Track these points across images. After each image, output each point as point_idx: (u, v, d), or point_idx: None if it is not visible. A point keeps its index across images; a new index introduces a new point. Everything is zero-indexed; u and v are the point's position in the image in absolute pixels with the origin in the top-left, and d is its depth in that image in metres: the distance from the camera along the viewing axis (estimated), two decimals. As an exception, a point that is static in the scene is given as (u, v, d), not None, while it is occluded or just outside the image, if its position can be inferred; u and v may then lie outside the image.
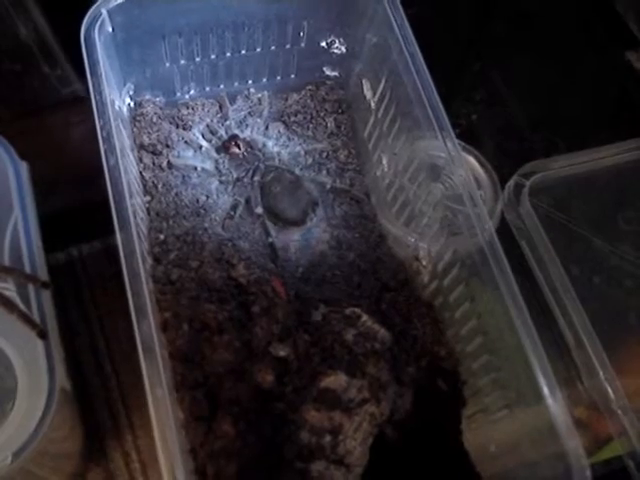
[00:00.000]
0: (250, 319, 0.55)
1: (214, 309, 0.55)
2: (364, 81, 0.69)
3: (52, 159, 0.77)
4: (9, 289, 0.58)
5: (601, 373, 0.66)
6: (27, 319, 0.57)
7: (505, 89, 0.94)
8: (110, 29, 0.61)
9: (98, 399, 0.71)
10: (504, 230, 0.72)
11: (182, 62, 0.68)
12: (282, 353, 0.54)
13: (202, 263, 0.58)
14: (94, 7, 0.59)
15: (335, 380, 0.54)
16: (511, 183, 0.73)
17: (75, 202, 0.77)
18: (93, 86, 0.57)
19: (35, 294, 0.59)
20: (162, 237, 0.60)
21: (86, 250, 0.78)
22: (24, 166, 0.65)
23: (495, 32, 0.98)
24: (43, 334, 0.57)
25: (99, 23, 0.59)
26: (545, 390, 0.50)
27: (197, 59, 0.68)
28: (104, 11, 0.59)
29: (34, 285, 0.59)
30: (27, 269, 0.60)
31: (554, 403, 0.50)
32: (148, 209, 0.63)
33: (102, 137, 0.54)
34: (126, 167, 0.56)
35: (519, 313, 0.52)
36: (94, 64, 0.57)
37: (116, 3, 0.59)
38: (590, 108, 0.92)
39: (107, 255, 0.77)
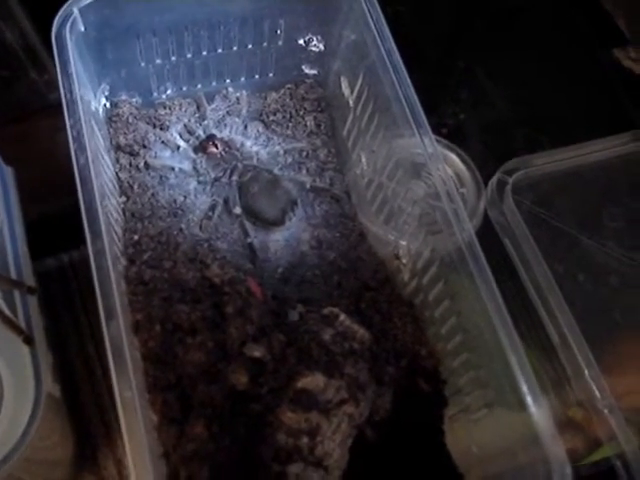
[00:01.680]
0: (224, 319, 0.54)
1: (187, 309, 0.54)
2: (342, 79, 0.69)
3: (40, 165, 0.76)
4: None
5: (586, 372, 0.65)
6: (12, 325, 0.56)
7: (491, 87, 0.93)
8: (82, 28, 0.60)
9: (89, 406, 0.70)
10: (487, 228, 0.71)
11: (157, 61, 0.67)
12: (257, 354, 0.53)
13: (175, 263, 0.57)
14: (65, 6, 0.58)
15: (312, 380, 0.53)
16: (494, 180, 0.72)
17: (65, 207, 0.75)
18: (63, 85, 0.56)
19: (21, 300, 0.58)
20: (136, 238, 0.59)
21: (76, 256, 0.77)
22: (9, 171, 0.64)
23: (479, 29, 0.97)
24: (29, 340, 0.56)
25: (70, 22, 0.58)
26: (525, 390, 0.49)
27: (173, 58, 0.67)
28: (75, 10, 0.59)
29: (20, 290, 0.58)
30: (13, 274, 0.59)
31: (534, 404, 0.49)
32: (124, 210, 0.63)
33: (72, 136, 0.53)
34: (100, 168, 0.55)
35: (498, 311, 0.52)
36: (65, 63, 0.57)
37: (88, 2, 0.59)
38: (576, 105, 0.91)
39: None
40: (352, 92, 0.67)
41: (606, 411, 0.64)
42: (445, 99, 0.91)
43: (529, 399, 0.49)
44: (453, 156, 0.76)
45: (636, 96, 0.92)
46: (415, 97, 0.58)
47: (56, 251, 0.76)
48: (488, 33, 0.96)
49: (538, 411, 0.48)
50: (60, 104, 0.79)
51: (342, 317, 0.57)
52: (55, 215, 0.74)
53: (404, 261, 0.64)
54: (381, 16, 0.62)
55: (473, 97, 0.92)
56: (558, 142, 0.80)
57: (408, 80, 0.59)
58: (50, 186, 0.76)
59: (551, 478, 0.46)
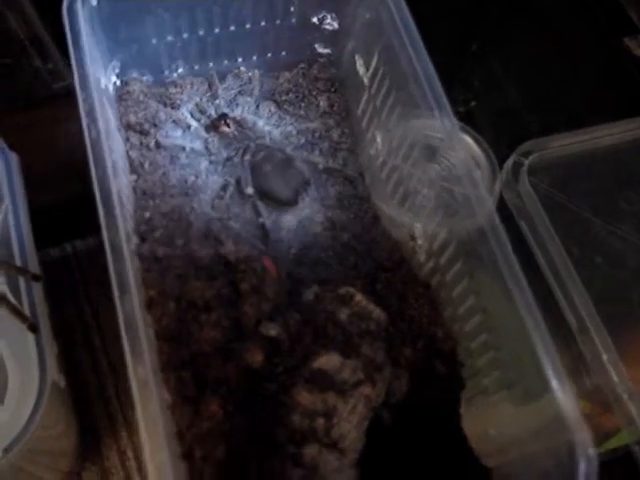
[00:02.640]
0: (239, 297, 0.53)
1: (201, 286, 0.52)
2: (357, 57, 0.67)
3: (44, 154, 0.75)
4: (-1, 282, 0.57)
5: (605, 356, 0.64)
6: (17, 312, 0.55)
7: (503, 74, 0.92)
8: (95, 2, 0.58)
9: (93, 396, 0.70)
10: (502, 211, 0.70)
11: (169, 38, 0.66)
12: (272, 332, 0.52)
13: (189, 240, 0.56)
14: (77, -20, 0.57)
15: (328, 360, 0.52)
16: (509, 162, 0.71)
17: (68, 197, 0.75)
18: (75, 59, 0.54)
19: (26, 287, 0.57)
20: (148, 215, 0.58)
21: (80, 246, 0.77)
22: (14, 156, 0.64)
23: (492, 16, 0.96)
24: (34, 327, 0.55)
25: (82, -5, 0.57)
26: (549, 371, 0.47)
27: (185, 35, 0.66)
28: (88, -16, 0.57)
29: (25, 278, 0.58)
30: (17, 262, 0.59)
31: (554, 375, 0.47)
32: (134, 188, 0.61)
33: (84, 111, 0.52)
34: (111, 145, 0.54)
35: (520, 290, 0.50)
36: (76, 36, 0.55)
37: (100, -24, 0.58)
38: (589, 92, 0.91)
39: (102, 251, 0.75)
40: (367, 70, 0.66)
41: (625, 396, 0.63)
42: (457, 85, 0.90)
43: (553, 380, 0.47)
44: (467, 138, 0.75)
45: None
46: (434, 73, 0.57)
47: (60, 241, 0.76)
48: (501, 19, 0.96)
49: (563, 393, 0.47)
50: (65, 93, 0.79)
51: (358, 297, 0.56)
52: (58, 205, 0.74)
53: (420, 242, 0.63)
54: (398, -8, 0.60)
55: (485, 83, 0.91)
56: (571, 128, 0.79)
57: (426, 56, 0.57)
58: (53, 175, 0.76)
59: (576, 462, 0.45)
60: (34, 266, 0.59)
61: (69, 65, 0.76)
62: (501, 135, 0.85)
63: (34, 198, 0.63)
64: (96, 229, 0.74)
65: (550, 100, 0.90)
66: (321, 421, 0.51)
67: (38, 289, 0.58)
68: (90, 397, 0.70)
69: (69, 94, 0.78)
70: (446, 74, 0.58)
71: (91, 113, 0.52)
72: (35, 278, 0.58)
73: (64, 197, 0.76)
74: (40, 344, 0.55)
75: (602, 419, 0.66)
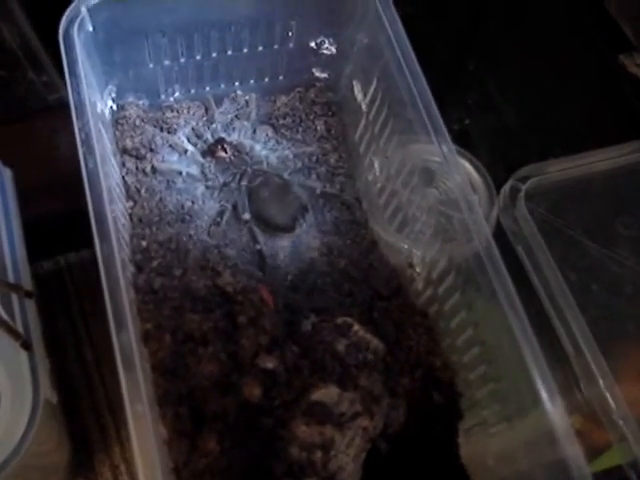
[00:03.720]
0: (236, 330, 0.52)
1: (198, 319, 0.52)
2: (355, 82, 0.67)
3: (38, 166, 0.75)
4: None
5: (601, 382, 0.64)
6: (10, 329, 0.55)
7: (498, 93, 0.92)
8: (90, 28, 0.58)
9: (86, 411, 0.69)
10: (499, 236, 0.70)
11: (166, 63, 0.66)
12: (270, 365, 0.52)
13: (186, 271, 0.56)
14: (73, 5, 0.57)
15: (326, 393, 0.52)
16: (507, 187, 0.71)
17: (62, 210, 0.75)
18: (71, 86, 0.54)
19: (19, 304, 0.57)
20: (144, 244, 0.57)
21: (73, 259, 0.76)
22: (8, 172, 0.63)
23: (487, 35, 0.96)
24: (27, 345, 0.55)
25: (78, 21, 0.56)
26: (544, 396, 0.48)
27: (182, 60, 0.66)
28: (84, 9, 0.57)
29: (17, 294, 0.57)
30: (10, 278, 0.58)
31: (553, 410, 0.48)
32: (130, 215, 0.61)
33: (81, 139, 0.52)
34: (107, 172, 0.54)
35: (518, 320, 0.50)
36: (72, 63, 0.55)
37: (96, 1, 0.57)
38: (585, 112, 0.90)
39: (95, 264, 0.75)
40: (365, 96, 0.66)
41: (621, 422, 0.63)
42: (451, 103, 0.90)
43: (549, 408, 0.48)
44: (464, 162, 0.74)
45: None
46: (432, 101, 0.56)
47: (53, 254, 0.76)
48: (496, 39, 0.95)
49: (557, 418, 0.47)
50: (59, 105, 0.79)
51: (356, 327, 0.56)
52: (51, 218, 0.73)
53: (418, 270, 0.62)
54: (397, 18, 0.60)
55: (480, 102, 0.91)
56: (568, 149, 0.79)
57: (425, 83, 0.57)
58: (47, 188, 0.74)
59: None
60: (27, 282, 0.58)
61: (63, 78, 0.76)
62: (496, 154, 0.85)
63: (27, 210, 0.62)
64: (90, 242, 0.74)
65: (546, 119, 0.89)
66: (319, 454, 0.50)
67: (31, 306, 0.57)
68: (82, 412, 0.69)
69: (63, 106, 0.78)
70: (441, 92, 0.58)
71: (87, 141, 0.52)
72: (28, 295, 0.57)
73: (58, 210, 0.75)
74: (33, 361, 0.54)
75: (594, 435, 0.66)
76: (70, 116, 0.53)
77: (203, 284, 0.55)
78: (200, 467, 0.48)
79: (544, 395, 0.48)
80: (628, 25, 0.98)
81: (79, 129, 0.52)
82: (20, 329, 0.55)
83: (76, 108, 0.53)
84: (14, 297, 0.57)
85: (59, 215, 0.74)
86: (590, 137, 0.83)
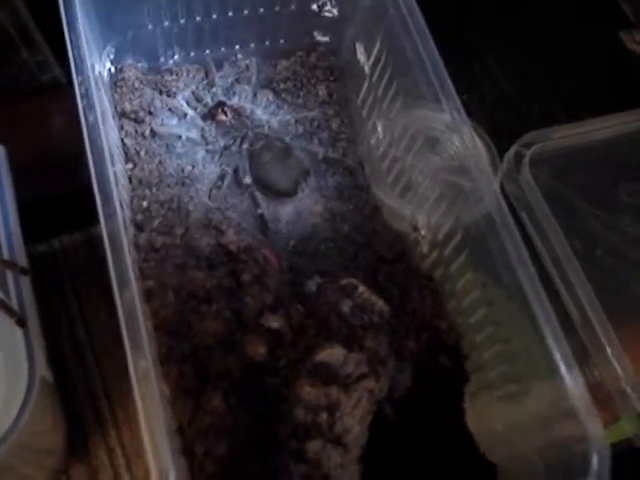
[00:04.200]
0: (240, 288, 0.52)
1: (202, 277, 0.51)
2: (357, 45, 0.66)
3: (31, 147, 0.73)
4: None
5: (609, 349, 0.63)
6: (5, 307, 0.54)
7: (498, 67, 0.91)
8: (89, -15, 0.57)
9: (81, 393, 0.68)
10: (502, 203, 0.70)
11: (165, 24, 0.64)
12: (275, 325, 0.51)
13: (188, 229, 0.55)
14: (73, -37, 0.55)
15: (331, 353, 0.51)
16: (511, 153, 0.70)
17: (56, 192, 0.74)
18: (71, 43, 0.53)
19: (14, 281, 0.56)
20: (145, 204, 0.56)
21: (67, 241, 0.75)
22: (1, 149, 0.62)
23: (487, 9, 0.95)
24: (22, 322, 0.54)
25: (76, -19, 0.55)
26: (560, 363, 0.47)
27: (181, 21, 0.65)
28: (82, -31, 0.56)
29: (12, 271, 0.56)
30: (5, 255, 0.57)
31: (571, 379, 0.46)
32: (130, 177, 0.60)
33: (80, 94, 0.50)
34: (108, 132, 0.53)
35: (529, 279, 0.49)
36: (72, 20, 0.53)
37: (95, -39, 0.56)
38: (584, 84, 0.90)
39: (89, 246, 0.74)
40: (368, 58, 0.65)
41: (629, 389, 0.62)
42: (451, 75, 0.89)
43: (564, 372, 0.46)
44: (468, 129, 0.74)
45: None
46: (440, 60, 0.56)
47: (47, 236, 0.74)
48: (496, 14, 0.94)
49: (575, 385, 0.46)
50: (52, 85, 0.78)
51: (361, 288, 0.55)
52: (45, 199, 0.72)
53: (423, 232, 0.62)
54: (400, -24, 0.59)
55: (479, 75, 0.90)
56: (569, 119, 0.78)
57: (432, 42, 0.56)
58: (40, 169, 0.73)
59: (589, 456, 0.44)
60: (22, 260, 0.57)
61: (56, 57, 0.75)
62: (497, 129, 0.84)
63: (20, 192, 0.61)
64: (83, 224, 0.74)
65: (545, 92, 0.89)
66: (324, 416, 0.50)
67: (26, 283, 0.56)
68: (77, 394, 0.68)
69: (57, 86, 0.77)
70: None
71: (87, 96, 0.50)
72: (23, 272, 0.56)
73: (52, 191, 0.74)
74: (28, 339, 0.54)
75: (600, 413, 0.66)
76: (63, 95, 0.52)
77: (206, 242, 0.54)
78: (204, 425, 0.47)
79: (557, 356, 0.47)
80: (627, 3, 0.98)
81: (79, 84, 0.51)
82: (15, 307, 0.54)
83: (76, 63, 0.52)
84: (9, 275, 0.56)
85: (52, 197, 0.73)
86: (590, 108, 0.83)
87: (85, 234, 0.74)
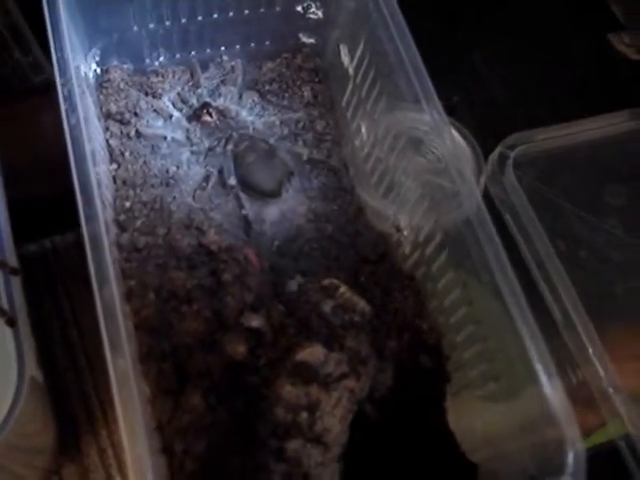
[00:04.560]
0: (221, 287, 0.52)
1: (182, 276, 0.51)
2: (342, 47, 0.67)
3: (22, 148, 0.74)
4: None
5: (590, 350, 0.63)
6: None
7: (486, 69, 0.92)
8: (73, -11, 0.57)
9: (72, 394, 0.68)
10: (486, 205, 0.70)
11: (151, 26, 0.65)
12: (255, 324, 0.51)
13: (170, 230, 0.55)
14: (57, -35, 0.56)
15: (312, 353, 0.51)
16: (495, 154, 0.71)
17: (47, 193, 0.74)
18: (54, 44, 0.53)
19: (4, 281, 0.56)
20: (128, 205, 0.57)
21: (59, 242, 0.75)
22: (-9, 149, 0.62)
23: (475, 9, 0.96)
24: (12, 322, 0.54)
25: (61, -17, 0.56)
26: (536, 362, 0.47)
27: (167, 23, 0.65)
28: (66, -29, 0.56)
29: (3, 271, 0.56)
30: (-5, 256, 0.57)
31: (547, 378, 0.47)
32: (114, 177, 0.60)
33: (63, 95, 0.51)
34: (91, 133, 0.53)
35: (506, 282, 0.50)
36: (55, 22, 0.54)
37: (80, -39, 0.56)
38: (573, 86, 0.90)
39: (81, 247, 0.74)
40: (352, 60, 0.65)
41: (610, 390, 0.62)
42: (439, 79, 0.89)
43: (541, 371, 0.47)
44: (452, 131, 0.74)
45: (632, 76, 0.91)
46: (421, 63, 0.56)
47: (38, 237, 0.75)
48: (485, 15, 0.95)
49: (551, 385, 0.46)
50: (44, 87, 0.78)
51: (342, 289, 0.56)
52: (36, 200, 0.72)
53: (405, 233, 0.62)
54: (383, -20, 0.59)
55: (468, 78, 0.90)
56: (555, 123, 0.78)
57: (413, 45, 0.57)
58: (32, 170, 0.74)
59: (565, 456, 0.44)
60: (12, 260, 0.57)
61: (49, 58, 0.75)
62: (484, 131, 0.84)
63: (10, 193, 0.61)
64: (75, 225, 0.74)
65: (533, 94, 0.89)
66: (304, 415, 0.50)
67: (16, 283, 0.56)
68: (69, 394, 0.68)
69: (49, 87, 0.77)
70: (429, 68, 0.58)
71: (70, 98, 0.51)
72: (13, 272, 0.56)
73: (42, 192, 0.74)
74: (18, 338, 0.53)
75: (582, 418, 0.66)
76: (55, 97, 0.52)
77: (187, 242, 0.54)
78: (184, 424, 0.47)
79: (533, 354, 0.47)
80: (617, 5, 0.98)
81: (61, 85, 0.52)
82: (5, 306, 0.54)
83: (59, 65, 0.53)
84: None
85: (44, 198, 0.73)
86: (579, 110, 0.83)
87: (77, 234, 0.72)
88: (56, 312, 0.71)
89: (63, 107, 0.50)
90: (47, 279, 0.73)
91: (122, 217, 0.56)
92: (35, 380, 0.55)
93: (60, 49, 0.53)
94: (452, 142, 0.55)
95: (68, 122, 0.50)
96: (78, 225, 0.73)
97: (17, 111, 0.77)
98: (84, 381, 0.69)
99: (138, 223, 0.55)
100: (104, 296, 0.44)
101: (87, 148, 0.49)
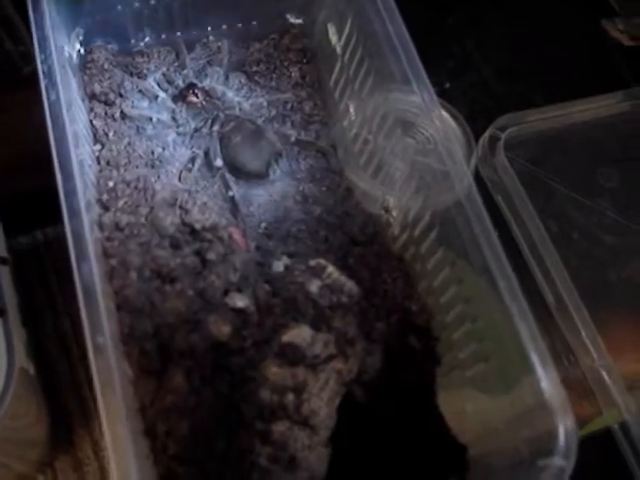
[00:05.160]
0: (205, 267, 0.51)
1: (165, 256, 0.50)
2: (329, 25, 0.66)
3: (13, 139, 0.73)
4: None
5: (583, 332, 0.63)
6: None
7: (477, 51, 0.91)
8: (57, -34, 0.56)
9: (65, 386, 0.67)
10: (478, 187, 0.69)
11: (136, 5, 0.63)
12: (240, 304, 0.50)
13: (153, 208, 0.54)
14: (36, -57, 0.55)
15: (298, 333, 0.50)
16: (486, 136, 0.70)
17: (39, 184, 0.72)
18: (35, 22, 0.53)
19: (-7, 271, 0.55)
20: (111, 184, 0.55)
21: (52, 234, 0.74)
22: (-18, 141, 0.61)
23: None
24: (1, 311, 0.53)
25: (43, -40, 0.54)
26: (527, 339, 0.46)
27: (152, 2, 0.64)
28: (48, -53, 0.55)
29: None
30: (-17, 246, 0.56)
31: (537, 356, 0.46)
32: (98, 158, 0.59)
33: (42, 72, 0.50)
34: (74, 114, 0.52)
35: (497, 259, 0.49)
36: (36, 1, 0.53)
37: (62, -63, 0.55)
38: (566, 71, 0.89)
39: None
40: (340, 38, 0.64)
41: (603, 372, 0.62)
42: (430, 63, 0.88)
43: (532, 352, 0.46)
44: (443, 112, 0.73)
45: (626, 62, 0.90)
46: (409, 40, 0.55)
47: (30, 229, 0.74)
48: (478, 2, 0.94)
49: (542, 366, 0.45)
50: (33, 77, 0.77)
51: (330, 269, 0.55)
52: (29, 192, 0.71)
53: (394, 213, 0.61)
54: (371, -43, 0.58)
55: (460, 61, 0.89)
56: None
57: (401, 23, 0.56)
58: (23, 162, 0.72)
59: (556, 437, 0.44)
60: (2, 250, 0.57)
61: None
62: (476, 113, 0.84)
63: (1, 184, 0.61)
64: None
65: (526, 79, 0.88)
66: (291, 397, 0.49)
67: (5, 272, 0.55)
68: (62, 387, 0.67)
69: (37, 78, 0.76)
70: (420, 54, 0.57)
71: (50, 75, 0.50)
72: (2, 261, 0.56)
73: (35, 183, 0.73)
74: (7, 328, 0.52)
75: (576, 408, 0.65)
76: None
77: (170, 221, 0.53)
78: (166, 404, 0.46)
79: (523, 331, 0.46)
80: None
81: (41, 62, 0.51)
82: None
83: (39, 42, 0.52)
84: (-12, 266, 0.55)
85: (35, 189, 0.72)
86: (572, 95, 0.82)
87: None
88: (48, 304, 0.70)
89: (43, 83, 0.50)
90: (39, 271, 0.72)
91: (105, 197, 0.55)
92: (25, 371, 0.54)
93: (41, 27, 0.52)
94: (442, 122, 0.54)
95: (48, 98, 0.49)
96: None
97: (7, 102, 0.76)
98: (77, 374, 0.68)
99: (121, 203, 0.54)
100: (83, 273, 0.44)
101: (67, 125, 0.48)
